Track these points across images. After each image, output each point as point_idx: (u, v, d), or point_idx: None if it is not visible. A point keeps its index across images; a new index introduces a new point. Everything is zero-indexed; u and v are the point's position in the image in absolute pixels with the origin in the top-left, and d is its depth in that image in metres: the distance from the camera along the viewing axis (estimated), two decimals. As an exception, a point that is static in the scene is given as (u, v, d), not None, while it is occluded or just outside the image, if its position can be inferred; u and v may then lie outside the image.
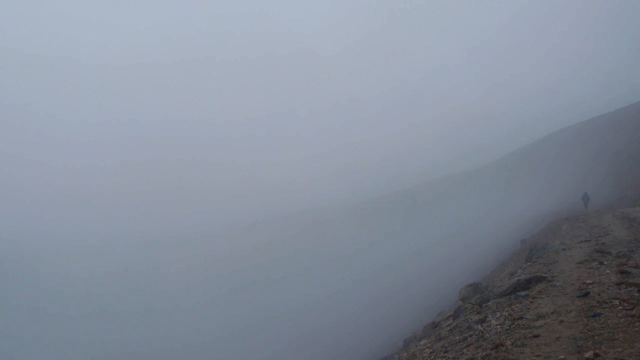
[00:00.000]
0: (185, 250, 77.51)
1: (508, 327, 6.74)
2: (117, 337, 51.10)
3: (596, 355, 4.92)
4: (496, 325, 7.11)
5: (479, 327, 7.52)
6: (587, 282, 8.22)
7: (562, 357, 5.15)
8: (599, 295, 7.20)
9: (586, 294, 7.33)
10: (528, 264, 13.19)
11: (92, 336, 51.71)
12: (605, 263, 9.72)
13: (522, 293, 8.54)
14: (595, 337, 5.43)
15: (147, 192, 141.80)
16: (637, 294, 6.90)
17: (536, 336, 5.98)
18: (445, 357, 6.92)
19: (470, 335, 7.32)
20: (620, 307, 6.37)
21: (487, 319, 7.72)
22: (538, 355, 5.35)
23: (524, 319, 6.85)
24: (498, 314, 7.70)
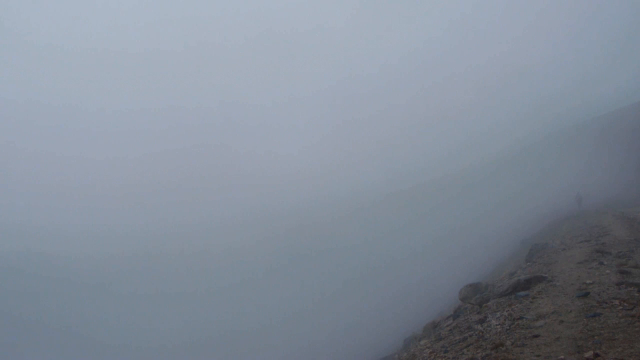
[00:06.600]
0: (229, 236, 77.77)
1: (508, 327, 6.74)
2: (189, 318, 51.12)
3: (596, 355, 4.92)
4: (496, 325, 7.11)
5: (479, 327, 7.52)
6: (587, 282, 8.22)
7: (562, 357, 5.14)
8: (599, 295, 7.20)
9: (586, 294, 7.34)
10: (528, 264, 13.22)
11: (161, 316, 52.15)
12: (605, 263, 9.73)
13: (522, 293, 8.55)
14: (595, 337, 5.43)
15: (192, 178, 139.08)
16: (637, 294, 6.91)
17: (536, 336, 5.98)
18: (445, 357, 6.91)
19: (470, 335, 7.32)
20: (620, 307, 6.37)
21: (487, 319, 7.72)
22: (538, 355, 5.35)
23: (524, 319, 6.85)
24: (498, 314, 7.70)
